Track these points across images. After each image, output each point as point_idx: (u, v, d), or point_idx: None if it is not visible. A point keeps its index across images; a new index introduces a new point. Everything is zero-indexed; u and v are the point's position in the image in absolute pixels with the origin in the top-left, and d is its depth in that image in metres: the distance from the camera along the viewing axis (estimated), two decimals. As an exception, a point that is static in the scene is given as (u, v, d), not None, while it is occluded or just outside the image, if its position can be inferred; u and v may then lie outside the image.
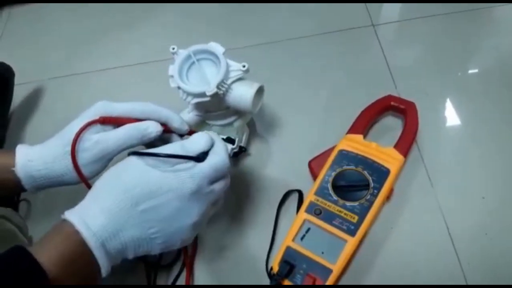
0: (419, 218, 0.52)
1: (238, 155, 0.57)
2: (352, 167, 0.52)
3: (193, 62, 0.51)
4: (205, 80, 0.50)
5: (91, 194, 0.39)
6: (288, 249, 0.48)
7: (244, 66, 0.50)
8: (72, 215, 0.37)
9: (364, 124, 0.56)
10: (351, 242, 0.47)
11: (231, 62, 0.51)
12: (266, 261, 0.51)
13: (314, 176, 0.53)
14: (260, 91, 0.52)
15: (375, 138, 0.56)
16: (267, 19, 0.76)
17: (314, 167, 0.54)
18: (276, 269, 0.47)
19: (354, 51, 0.69)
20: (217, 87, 0.48)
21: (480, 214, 0.52)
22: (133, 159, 0.40)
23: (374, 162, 0.51)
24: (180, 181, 0.38)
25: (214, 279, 0.52)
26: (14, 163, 0.44)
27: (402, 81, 0.64)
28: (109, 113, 0.44)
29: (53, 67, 0.77)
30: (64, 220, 0.37)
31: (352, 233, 0.47)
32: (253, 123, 0.63)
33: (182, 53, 0.51)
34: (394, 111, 0.59)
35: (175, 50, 0.51)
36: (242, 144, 0.57)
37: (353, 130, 0.56)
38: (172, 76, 0.50)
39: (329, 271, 0.46)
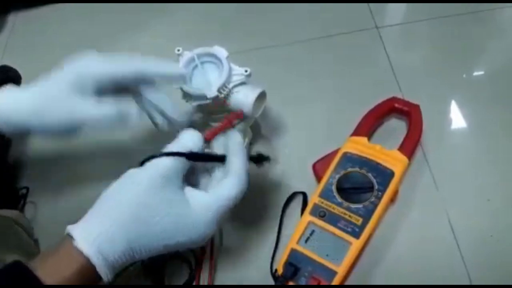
0: (424, 220, 0.52)
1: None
2: (357, 169, 0.52)
3: (197, 65, 0.52)
4: (207, 83, 0.50)
5: (98, 211, 0.37)
6: (293, 251, 0.48)
7: (246, 71, 0.50)
8: (87, 248, 0.34)
9: (368, 126, 0.56)
10: (356, 244, 0.47)
11: (234, 67, 0.51)
12: (270, 263, 0.51)
13: (319, 179, 0.54)
14: (262, 96, 0.52)
15: (379, 141, 0.56)
16: (270, 22, 0.76)
17: (318, 169, 0.54)
18: (280, 271, 0.47)
19: (359, 54, 0.69)
20: (219, 90, 0.48)
21: (485, 216, 0.52)
22: (145, 179, 0.37)
23: (378, 164, 0.51)
24: (195, 217, 0.37)
25: (217, 281, 0.52)
26: None
27: (407, 83, 0.64)
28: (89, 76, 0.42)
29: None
30: (73, 242, 0.35)
31: (356, 235, 0.47)
32: (258, 126, 0.63)
33: (187, 55, 0.51)
34: (398, 113, 0.59)
35: (180, 51, 0.52)
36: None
37: (357, 132, 0.56)
38: (181, 89, 0.51)
39: (334, 273, 0.46)
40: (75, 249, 0.34)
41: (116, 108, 0.44)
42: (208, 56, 0.52)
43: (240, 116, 0.47)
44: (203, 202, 0.38)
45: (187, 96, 0.50)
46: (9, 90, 0.44)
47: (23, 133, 0.45)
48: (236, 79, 0.50)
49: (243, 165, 0.40)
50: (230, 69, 0.50)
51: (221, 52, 0.51)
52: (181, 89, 0.50)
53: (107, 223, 0.35)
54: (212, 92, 0.48)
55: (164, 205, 0.36)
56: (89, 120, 0.43)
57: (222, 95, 0.49)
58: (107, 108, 0.43)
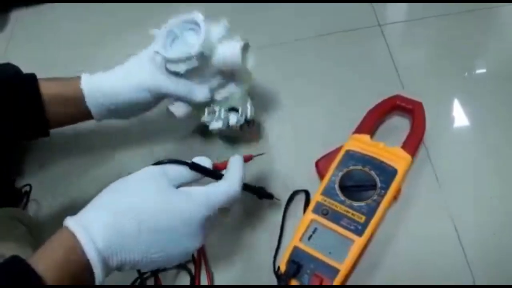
0: (427, 218, 0.52)
1: (247, 126, 0.57)
2: (359, 167, 0.52)
3: (176, 36, 0.51)
4: (190, 46, 0.50)
5: (96, 205, 0.38)
6: (296, 249, 0.48)
7: (226, 25, 0.51)
8: (77, 229, 0.35)
9: (371, 124, 0.56)
10: (358, 242, 0.47)
11: (212, 25, 0.51)
12: (273, 261, 0.51)
13: (321, 176, 0.54)
14: (246, 48, 0.52)
15: (382, 138, 0.56)
16: (273, 20, 0.76)
17: (321, 167, 0.54)
18: (283, 269, 0.47)
19: (361, 51, 0.69)
20: (202, 46, 0.48)
21: (488, 214, 0.51)
22: (147, 174, 0.39)
23: (381, 162, 0.51)
24: (193, 207, 0.38)
25: (220, 279, 0.52)
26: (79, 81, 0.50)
27: (409, 81, 0.63)
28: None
29: (61, 68, 0.77)
30: (66, 228, 0.36)
31: (359, 233, 0.47)
32: (260, 126, 0.63)
33: (162, 30, 0.51)
34: (401, 111, 0.59)
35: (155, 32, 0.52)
36: (248, 117, 0.56)
37: (360, 130, 0.56)
38: (157, 52, 0.50)
39: (336, 271, 0.46)
40: (65, 232, 0.35)
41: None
42: (184, 25, 0.52)
43: (248, 159, 0.48)
44: (196, 196, 0.39)
45: (172, 64, 0.50)
46: (90, 76, 0.51)
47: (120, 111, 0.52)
48: (216, 34, 0.50)
49: (240, 176, 0.42)
50: (209, 27, 0.50)
51: (197, 15, 0.50)
52: (167, 60, 0.50)
53: (101, 212, 0.37)
54: (196, 48, 0.48)
55: (161, 202, 0.38)
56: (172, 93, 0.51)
57: (207, 51, 0.48)
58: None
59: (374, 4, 0.73)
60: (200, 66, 0.49)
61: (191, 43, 0.50)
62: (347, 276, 0.47)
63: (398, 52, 0.67)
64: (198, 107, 0.55)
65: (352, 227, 0.48)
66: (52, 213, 0.60)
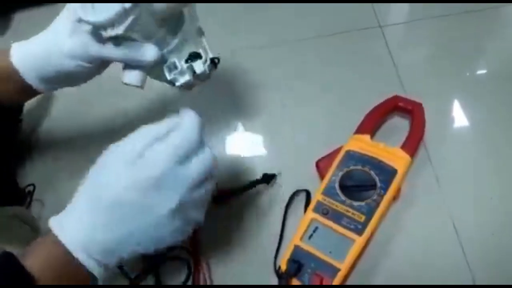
0: (426, 218, 0.52)
1: (214, 67, 0.48)
2: (359, 167, 0.52)
3: None
4: None
5: (75, 204, 0.38)
6: (296, 248, 0.49)
7: None
8: (63, 231, 0.36)
9: (371, 124, 0.57)
10: (359, 241, 0.47)
11: None
12: (274, 260, 0.52)
13: (322, 176, 0.54)
14: None
15: (382, 139, 0.56)
16: (273, 21, 0.76)
17: (321, 167, 0.55)
18: (284, 268, 0.48)
19: (362, 52, 0.69)
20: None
21: (487, 214, 0.52)
22: (113, 160, 0.37)
23: (381, 162, 0.52)
24: (163, 197, 0.36)
25: (221, 279, 0.53)
26: (9, 55, 0.44)
27: (410, 82, 0.64)
28: None
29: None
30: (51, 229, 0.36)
31: (359, 232, 0.48)
32: (261, 125, 0.64)
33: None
34: (401, 111, 0.59)
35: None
36: (210, 55, 0.47)
37: (360, 130, 0.56)
38: (81, 20, 0.39)
39: (337, 270, 0.46)
40: (57, 242, 0.36)
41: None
42: None
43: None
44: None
45: (104, 29, 0.39)
46: (20, 44, 0.46)
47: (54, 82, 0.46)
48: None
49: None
50: None
51: None
52: (94, 25, 0.39)
53: (86, 219, 0.36)
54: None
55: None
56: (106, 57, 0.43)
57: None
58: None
59: (375, 5, 0.74)
60: (139, 20, 0.39)
61: None
62: (347, 275, 0.47)
63: (399, 52, 0.67)
64: (153, 68, 0.45)
65: (352, 227, 0.48)
66: (56, 213, 0.61)
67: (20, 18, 0.88)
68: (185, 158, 0.36)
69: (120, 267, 0.52)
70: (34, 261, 0.35)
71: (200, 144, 0.38)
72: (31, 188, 0.62)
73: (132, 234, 0.36)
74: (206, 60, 0.46)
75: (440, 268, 0.49)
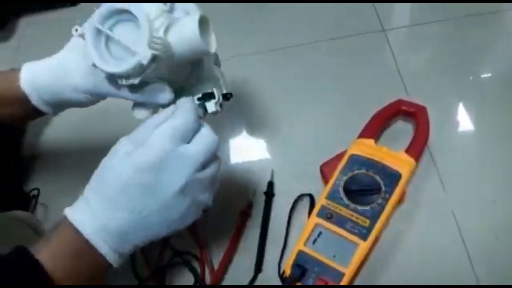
0: (431, 221, 0.52)
1: (227, 100, 0.47)
2: (364, 171, 0.52)
3: (108, 37, 0.38)
4: (130, 45, 0.37)
5: (86, 194, 0.38)
6: (300, 252, 0.48)
7: (165, 5, 0.38)
8: (76, 216, 0.37)
9: (375, 128, 0.57)
10: (363, 246, 0.47)
11: (151, 10, 0.37)
12: (278, 265, 0.51)
13: (326, 180, 0.54)
14: (205, 24, 0.39)
15: (386, 143, 0.56)
16: (277, 25, 0.76)
17: (325, 171, 0.55)
18: (288, 272, 0.48)
19: (365, 56, 0.69)
20: (150, 46, 0.36)
21: (492, 217, 0.52)
22: (119, 159, 0.37)
23: (385, 166, 0.52)
24: (167, 178, 0.36)
25: (224, 282, 0.53)
26: (19, 78, 0.44)
27: (413, 86, 0.64)
28: None
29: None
30: (66, 218, 0.37)
31: (363, 237, 0.48)
32: (265, 130, 0.64)
33: (88, 28, 0.38)
34: (405, 115, 0.59)
35: (78, 30, 0.38)
36: (224, 91, 0.47)
37: (364, 134, 0.56)
38: (94, 66, 0.38)
39: (341, 274, 0.46)
40: (73, 231, 0.36)
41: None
42: (114, 17, 0.38)
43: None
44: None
45: (120, 78, 0.39)
46: (30, 69, 0.45)
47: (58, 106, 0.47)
48: (160, 22, 0.37)
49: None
50: (148, 16, 0.36)
51: (131, 5, 0.36)
52: (110, 74, 0.38)
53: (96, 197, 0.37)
54: (144, 53, 0.35)
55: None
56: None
57: (159, 48, 0.36)
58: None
59: (378, 9, 0.74)
60: (155, 70, 0.38)
61: (133, 41, 0.36)
62: (352, 280, 0.47)
63: (402, 57, 0.67)
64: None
65: (357, 231, 0.48)
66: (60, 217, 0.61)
67: (26, 23, 0.89)
68: (183, 138, 0.37)
69: (133, 267, 0.53)
70: (47, 251, 0.35)
71: (198, 125, 0.39)
72: (35, 192, 0.62)
73: (142, 217, 0.37)
74: (218, 99, 0.45)
75: (445, 271, 0.49)
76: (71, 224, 0.36)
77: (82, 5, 0.88)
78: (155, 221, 0.37)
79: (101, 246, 0.36)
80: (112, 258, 0.37)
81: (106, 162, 0.38)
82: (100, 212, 0.36)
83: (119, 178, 0.36)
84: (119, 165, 0.37)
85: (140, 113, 0.44)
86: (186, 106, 0.39)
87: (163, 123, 0.38)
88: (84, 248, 0.36)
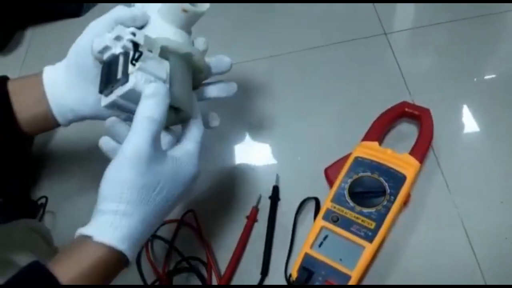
0: (437, 223, 0.52)
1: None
2: (368, 173, 0.52)
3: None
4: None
5: (103, 205, 0.40)
6: (307, 256, 0.49)
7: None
8: (100, 236, 0.37)
9: (379, 131, 0.57)
10: (369, 248, 0.47)
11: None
12: (285, 268, 0.52)
13: (331, 184, 0.54)
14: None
15: (390, 145, 0.56)
16: (279, 30, 0.77)
17: (330, 174, 0.55)
18: (295, 276, 0.48)
19: (368, 60, 0.69)
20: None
21: (499, 218, 0.51)
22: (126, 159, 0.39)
23: (390, 168, 0.52)
24: (184, 171, 0.40)
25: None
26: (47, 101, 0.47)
27: (417, 88, 0.64)
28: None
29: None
30: (86, 236, 0.37)
31: (369, 239, 0.48)
32: (269, 134, 0.64)
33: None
34: (409, 117, 0.59)
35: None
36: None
37: (368, 137, 0.56)
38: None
39: (348, 277, 0.46)
40: (90, 242, 0.37)
41: None
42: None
43: None
44: (184, 151, 0.42)
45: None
46: (55, 96, 0.49)
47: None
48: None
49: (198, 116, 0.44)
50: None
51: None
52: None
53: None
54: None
55: (157, 174, 0.39)
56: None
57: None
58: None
59: (380, 13, 0.74)
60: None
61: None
62: (358, 283, 0.47)
63: (405, 59, 0.68)
64: None
65: (363, 234, 0.48)
66: (68, 225, 0.61)
67: (32, 33, 0.90)
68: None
69: (140, 273, 0.54)
70: (67, 270, 0.35)
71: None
72: (43, 200, 0.62)
73: (151, 220, 0.39)
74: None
75: (452, 274, 0.49)
76: (88, 238, 0.37)
77: (87, 16, 0.89)
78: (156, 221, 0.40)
79: (129, 254, 0.38)
80: (130, 254, 0.38)
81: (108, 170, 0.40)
82: (118, 222, 0.38)
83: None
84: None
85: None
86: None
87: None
88: (114, 259, 0.37)
